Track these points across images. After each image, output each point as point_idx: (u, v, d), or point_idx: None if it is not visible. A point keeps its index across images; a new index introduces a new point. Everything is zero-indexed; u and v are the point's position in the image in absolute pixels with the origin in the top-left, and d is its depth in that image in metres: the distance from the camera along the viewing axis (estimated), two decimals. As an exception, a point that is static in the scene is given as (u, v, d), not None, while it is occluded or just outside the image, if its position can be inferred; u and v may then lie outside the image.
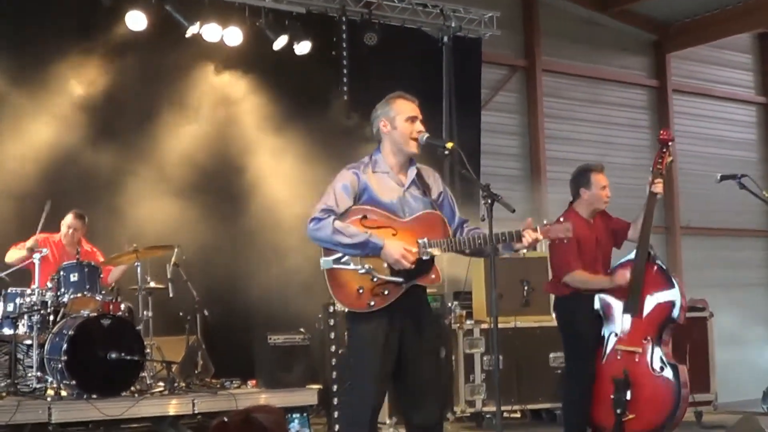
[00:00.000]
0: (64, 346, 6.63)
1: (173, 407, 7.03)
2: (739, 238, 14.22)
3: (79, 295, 7.19)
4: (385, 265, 4.45)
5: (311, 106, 9.48)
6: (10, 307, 7.19)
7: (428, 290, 4.83)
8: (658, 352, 5.91)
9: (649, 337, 5.93)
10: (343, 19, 10.08)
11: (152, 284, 7.63)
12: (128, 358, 6.82)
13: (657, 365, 5.91)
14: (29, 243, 7.49)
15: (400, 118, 4.60)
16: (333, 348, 7.64)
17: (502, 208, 4.40)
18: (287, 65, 9.49)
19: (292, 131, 9.30)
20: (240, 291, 8.63)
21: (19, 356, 7.23)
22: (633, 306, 5.94)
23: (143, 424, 7.10)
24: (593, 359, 6.02)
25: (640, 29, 13.48)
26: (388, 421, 7.45)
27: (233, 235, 9.05)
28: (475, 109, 11.10)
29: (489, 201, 4.39)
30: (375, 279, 4.45)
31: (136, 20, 8.68)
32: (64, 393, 6.80)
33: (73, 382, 6.67)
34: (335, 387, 7.55)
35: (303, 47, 9.54)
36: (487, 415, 8.03)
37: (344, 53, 10.10)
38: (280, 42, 9.43)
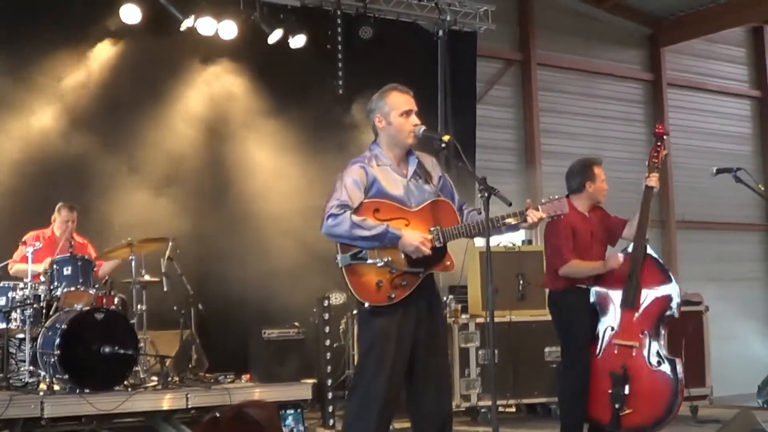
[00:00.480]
0: (57, 340, 6.58)
1: (167, 402, 6.97)
2: (734, 231, 14.25)
3: (72, 288, 7.13)
4: (402, 255, 4.43)
5: (306, 100, 9.44)
6: (3, 301, 7.15)
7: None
8: (655, 346, 5.89)
9: (646, 331, 5.91)
10: (338, 12, 10.08)
11: (146, 278, 7.59)
12: (122, 352, 6.76)
13: (654, 359, 5.88)
14: (42, 268, 7.33)
15: (394, 114, 4.56)
16: (328, 342, 7.63)
17: (497, 200, 4.39)
18: (282, 59, 9.45)
19: (288, 125, 9.29)
20: (234, 285, 8.59)
21: (12, 350, 7.18)
22: (631, 298, 5.92)
23: (136, 419, 7.04)
24: (589, 354, 6.01)
25: (634, 23, 13.50)
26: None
27: (228, 229, 9.01)
28: (471, 102, 11.11)
29: (486, 194, 4.36)
30: (393, 271, 4.43)
31: (131, 13, 8.66)
32: (56, 387, 6.76)
33: (66, 376, 6.62)
34: (329, 381, 7.53)
35: (298, 41, 9.52)
36: (483, 410, 8.01)
37: (339, 47, 10.09)
38: (275, 36, 9.40)
